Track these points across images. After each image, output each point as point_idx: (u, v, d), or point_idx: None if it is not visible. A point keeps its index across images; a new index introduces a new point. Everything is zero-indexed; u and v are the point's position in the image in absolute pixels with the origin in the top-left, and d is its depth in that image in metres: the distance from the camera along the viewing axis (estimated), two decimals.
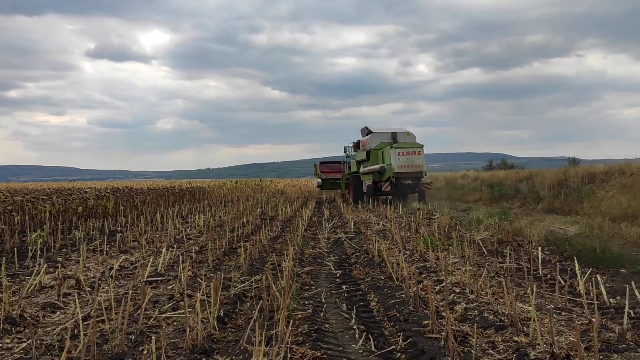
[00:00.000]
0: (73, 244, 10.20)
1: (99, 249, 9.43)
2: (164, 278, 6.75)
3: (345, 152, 26.20)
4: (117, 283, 6.60)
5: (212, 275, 7.06)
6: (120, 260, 7.71)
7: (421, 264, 7.19)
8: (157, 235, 11.24)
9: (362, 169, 22.47)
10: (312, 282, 6.52)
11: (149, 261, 7.43)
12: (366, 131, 22.99)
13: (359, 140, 23.91)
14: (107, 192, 16.84)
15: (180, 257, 8.09)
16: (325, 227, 12.40)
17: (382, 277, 6.46)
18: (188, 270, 7.25)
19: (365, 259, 7.76)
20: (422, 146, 20.27)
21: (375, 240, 9.62)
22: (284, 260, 6.98)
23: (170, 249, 9.47)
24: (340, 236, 10.94)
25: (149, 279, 6.59)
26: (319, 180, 26.92)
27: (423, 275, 6.44)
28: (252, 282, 6.35)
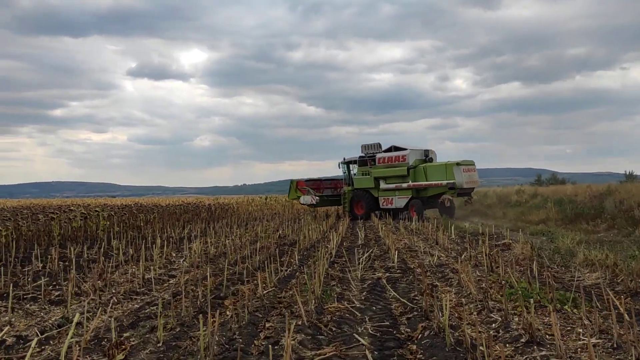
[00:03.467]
0: (15, 284, 7.38)
1: (30, 294, 6.53)
2: None
3: (341, 168, 25.03)
4: None
5: None
6: (6, 330, 4.69)
7: (538, 354, 3.86)
8: (129, 272, 8.26)
9: (385, 185, 22.48)
10: None
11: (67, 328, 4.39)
12: (377, 147, 23.42)
13: (374, 156, 23.28)
14: (97, 211, 14.22)
15: (127, 318, 5.02)
16: (359, 259, 9.16)
17: None
18: (119, 353, 4.18)
19: (428, 332, 4.46)
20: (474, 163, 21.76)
21: (437, 288, 6.35)
22: (287, 331, 3.87)
23: (130, 297, 6.45)
24: (380, 275, 7.68)
25: None
26: (317, 197, 24.78)
27: None
28: None
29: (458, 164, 20.45)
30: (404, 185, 21.78)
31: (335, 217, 23.83)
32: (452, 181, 20.15)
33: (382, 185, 22.59)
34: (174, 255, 10.97)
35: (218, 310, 5.50)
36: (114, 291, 6.65)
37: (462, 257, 9.66)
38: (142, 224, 16.18)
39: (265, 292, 6.42)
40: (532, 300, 5.43)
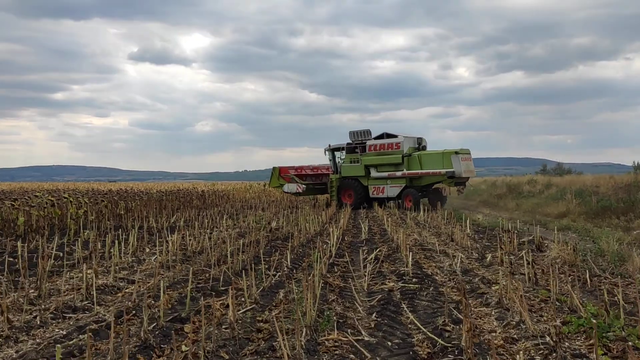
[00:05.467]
0: None
1: None
2: None
3: (327, 155, 23.32)
4: None
5: None
6: None
7: None
8: (81, 275, 6.66)
9: (376, 174, 21.41)
10: None
11: None
12: (367, 134, 22.16)
13: (364, 143, 21.85)
14: (66, 197, 12.60)
15: None
16: (364, 261, 7.58)
17: None
18: None
19: None
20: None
21: (469, 308, 4.74)
22: None
23: (62, 316, 4.86)
24: (392, 285, 6.09)
25: None
26: (303, 186, 23.07)
27: None
28: None
29: (456, 152, 19.64)
30: (398, 173, 20.67)
31: (336, 206, 22.25)
32: (451, 170, 19.38)
33: (373, 173, 21.51)
34: (148, 250, 9.41)
35: (168, 346, 3.93)
36: (43, 307, 5.05)
37: (488, 259, 8.09)
38: (122, 213, 14.59)
39: (241, 311, 4.83)
40: (611, 335, 3.86)
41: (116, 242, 8.09)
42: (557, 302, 4.94)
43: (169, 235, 10.21)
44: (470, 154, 20.55)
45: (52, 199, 12.11)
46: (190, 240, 9.62)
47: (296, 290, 5.37)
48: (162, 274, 7.03)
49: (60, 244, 9.79)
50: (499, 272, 6.73)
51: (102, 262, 7.81)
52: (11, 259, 8.16)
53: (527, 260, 6.26)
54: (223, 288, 5.96)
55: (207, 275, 6.76)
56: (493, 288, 5.79)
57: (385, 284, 6.18)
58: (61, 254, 8.45)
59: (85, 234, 11.00)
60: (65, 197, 12.69)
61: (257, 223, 13.99)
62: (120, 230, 11.24)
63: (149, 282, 6.36)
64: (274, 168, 24.02)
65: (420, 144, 21.48)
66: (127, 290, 6.04)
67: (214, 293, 5.75)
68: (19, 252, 7.69)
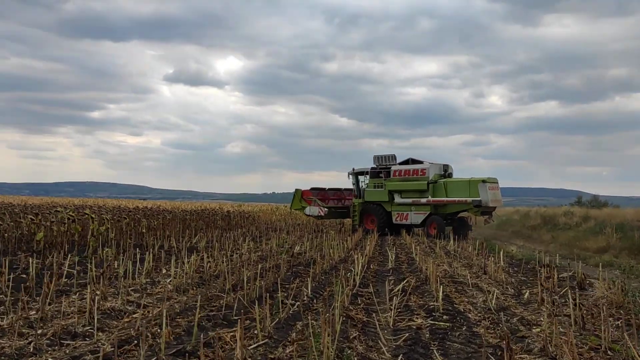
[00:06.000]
0: None
1: None
2: None
3: (350, 179, 22.92)
4: None
5: None
6: None
7: None
8: (87, 297, 6.31)
9: (400, 199, 21.01)
10: None
11: None
12: (392, 159, 21.79)
13: (388, 168, 21.44)
14: (86, 213, 12.45)
15: None
16: (391, 294, 7.03)
17: None
18: None
19: None
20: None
21: (513, 357, 4.17)
22: None
23: (60, 342, 4.49)
24: (420, 322, 5.54)
25: None
26: (325, 209, 22.73)
27: None
28: None
29: (484, 181, 19.17)
30: (423, 200, 20.24)
31: (363, 232, 21.67)
32: (477, 199, 18.90)
33: (397, 199, 21.13)
34: (164, 271, 9.06)
35: None
36: (41, 331, 4.69)
37: (526, 296, 7.43)
38: (144, 231, 14.39)
39: (252, 347, 4.36)
40: None
41: (129, 262, 7.75)
42: (608, 352, 4.32)
43: (188, 257, 9.87)
44: (497, 183, 20.03)
45: (73, 214, 11.96)
46: (208, 262, 9.23)
47: (314, 324, 4.88)
48: (175, 299, 6.65)
49: (76, 261, 9.55)
50: (538, 312, 6.13)
51: (114, 283, 7.49)
52: (24, 276, 7.92)
53: (573, 300, 5.62)
54: (236, 317, 5.51)
55: (220, 302, 6.33)
56: (534, 330, 5.20)
57: (413, 320, 5.63)
58: (74, 272, 8.17)
59: (105, 251, 10.77)
60: (86, 214, 12.55)
61: (279, 247, 13.56)
62: (139, 249, 10.97)
63: (158, 307, 5.97)
64: (296, 190, 23.81)
65: (446, 171, 21.11)
66: (135, 315, 5.65)
67: (225, 323, 5.31)
68: (31, 269, 7.45)
